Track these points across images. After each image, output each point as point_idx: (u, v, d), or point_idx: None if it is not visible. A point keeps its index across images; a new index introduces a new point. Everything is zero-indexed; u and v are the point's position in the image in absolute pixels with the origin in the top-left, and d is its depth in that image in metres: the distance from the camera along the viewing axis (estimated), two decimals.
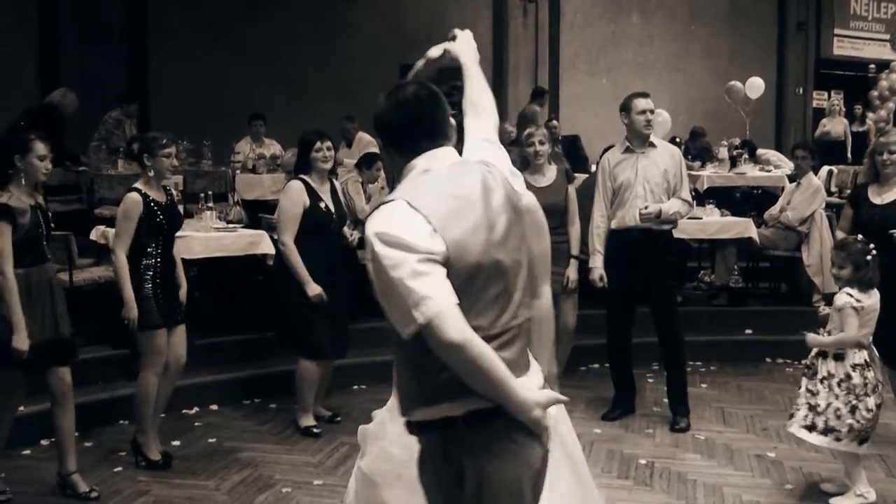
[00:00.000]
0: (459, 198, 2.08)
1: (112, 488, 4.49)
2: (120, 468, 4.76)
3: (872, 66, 12.78)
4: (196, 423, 5.55)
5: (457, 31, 2.64)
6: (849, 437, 4.13)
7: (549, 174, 5.60)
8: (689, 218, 6.35)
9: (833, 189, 9.41)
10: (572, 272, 5.57)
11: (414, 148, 2.17)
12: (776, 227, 7.57)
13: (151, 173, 4.63)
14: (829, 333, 4.25)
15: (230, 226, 6.39)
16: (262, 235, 6.08)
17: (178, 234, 4.89)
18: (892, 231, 4.83)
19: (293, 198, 5.14)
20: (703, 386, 6.33)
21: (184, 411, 5.69)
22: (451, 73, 2.65)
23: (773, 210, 7.71)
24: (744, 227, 7.38)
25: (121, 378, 5.56)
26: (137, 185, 4.64)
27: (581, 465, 2.93)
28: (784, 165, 9.42)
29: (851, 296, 4.21)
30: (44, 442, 4.98)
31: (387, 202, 2.07)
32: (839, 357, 4.19)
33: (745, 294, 7.81)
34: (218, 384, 5.97)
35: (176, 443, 5.13)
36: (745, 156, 9.51)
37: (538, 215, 2.68)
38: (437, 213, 2.02)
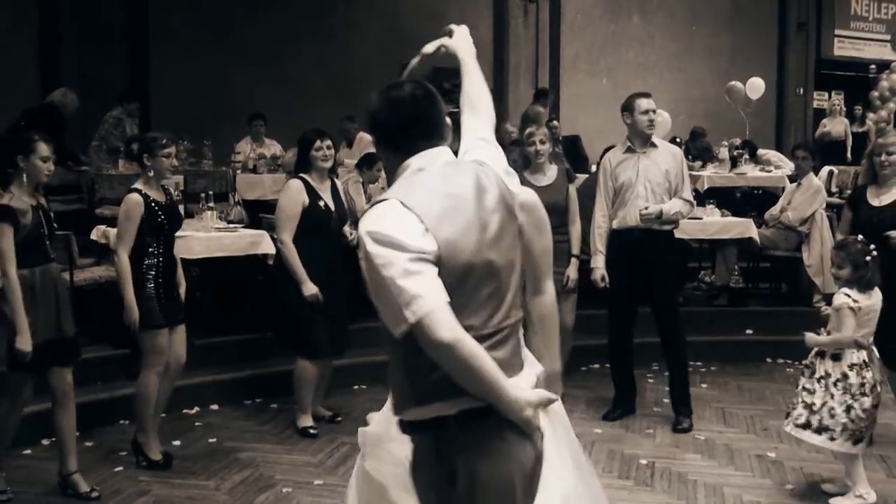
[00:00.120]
0: (453, 197, 2.08)
1: (113, 488, 4.49)
2: (121, 468, 4.76)
3: (873, 66, 12.76)
4: (197, 423, 5.55)
5: (453, 27, 2.63)
6: (843, 436, 4.13)
7: (550, 173, 5.61)
8: (690, 218, 6.35)
9: (833, 189, 9.40)
10: (573, 271, 5.57)
11: (409, 147, 2.16)
12: (777, 227, 7.57)
13: (151, 173, 4.63)
14: (829, 333, 4.26)
15: (231, 226, 6.39)
16: (263, 235, 6.08)
17: (178, 233, 4.90)
18: (887, 233, 4.80)
19: (292, 196, 5.15)
20: (704, 386, 6.33)
21: (184, 411, 5.69)
22: (446, 71, 2.65)
23: (774, 210, 7.71)
24: (744, 228, 7.38)
25: (121, 378, 5.57)
26: (137, 185, 4.64)
27: (585, 463, 2.93)
28: (784, 166, 9.42)
29: (849, 296, 4.21)
30: (45, 441, 4.98)
31: (380, 201, 2.07)
32: (836, 357, 4.19)
33: (746, 294, 7.81)
34: (218, 384, 5.97)
35: (176, 443, 5.14)
36: (746, 156, 9.51)
37: (540, 212, 2.68)
38: (429, 213, 2.01)
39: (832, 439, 4.15)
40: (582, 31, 13.73)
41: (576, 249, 5.61)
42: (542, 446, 2.15)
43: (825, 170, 9.58)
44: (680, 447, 5.15)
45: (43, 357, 4.11)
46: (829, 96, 14.90)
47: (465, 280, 2.03)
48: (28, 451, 4.91)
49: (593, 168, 8.27)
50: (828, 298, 6.17)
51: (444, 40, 2.61)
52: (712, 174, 9.13)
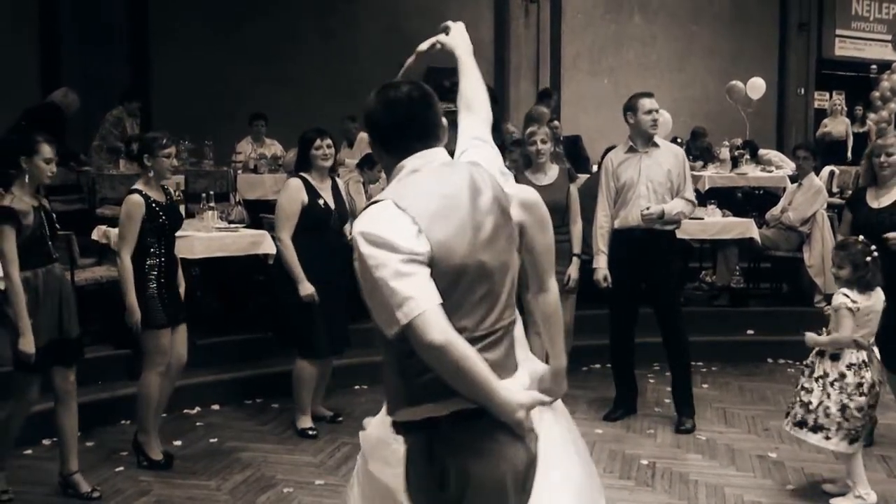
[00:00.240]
0: (447, 198, 2.07)
1: (114, 488, 4.49)
2: (121, 468, 4.76)
3: (874, 66, 12.73)
4: (198, 423, 5.55)
5: (449, 23, 2.63)
6: (838, 435, 4.13)
7: (551, 173, 5.61)
8: (691, 218, 6.36)
9: (835, 189, 9.39)
10: (574, 271, 5.57)
11: (404, 148, 2.15)
12: (778, 227, 7.57)
13: (151, 174, 4.63)
14: (829, 333, 4.25)
15: (232, 226, 6.39)
16: (264, 235, 6.08)
17: (179, 233, 4.90)
18: (885, 235, 4.76)
19: (291, 195, 5.15)
20: (705, 386, 6.33)
21: (185, 411, 5.70)
22: (446, 70, 2.64)
23: (775, 210, 7.71)
24: (745, 228, 7.38)
25: (122, 378, 5.57)
26: (138, 186, 4.63)
27: (588, 461, 2.93)
28: (785, 166, 9.42)
29: (847, 296, 4.21)
30: (46, 441, 4.98)
31: (375, 202, 2.07)
32: (836, 357, 4.20)
33: (747, 294, 7.80)
34: (219, 384, 5.97)
35: (177, 443, 5.14)
36: (747, 156, 9.51)
37: (541, 210, 2.67)
38: (423, 214, 2.01)
39: (827, 438, 4.15)
40: (583, 31, 13.73)
41: (577, 249, 5.61)
42: (536, 449, 2.15)
43: (826, 170, 9.57)
44: (681, 447, 5.15)
45: (47, 357, 4.11)
46: (830, 96, 14.90)
47: (459, 281, 2.03)
48: (29, 451, 4.91)
49: (594, 168, 8.27)
50: (829, 299, 6.15)
51: (440, 37, 2.60)
52: (713, 174, 9.13)
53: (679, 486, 4.59)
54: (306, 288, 5.06)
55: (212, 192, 6.65)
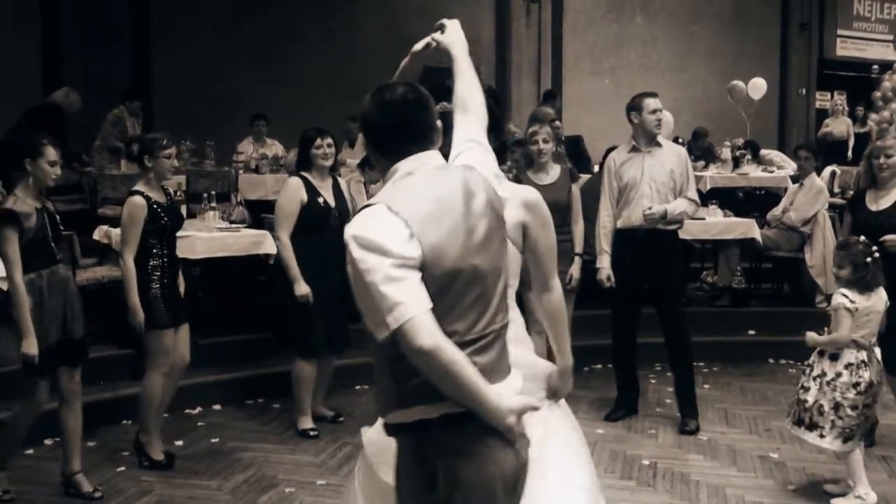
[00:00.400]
0: (440, 201, 2.07)
1: (115, 488, 4.50)
2: (123, 468, 4.77)
3: (875, 66, 12.72)
4: (199, 423, 5.55)
5: (445, 21, 2.62)
6: (832, 433, 4.13)
7: (553, 172, 5.60)
8: (693, 219, 6.35)
9: (836, 190, 9.38)
10: (576, 270, 5.56)
11: (399, 150, 2.15)
12: (779, 227, 7.56)
13: (152, 174, 4.63)
14: (829, 333, 4.26)
15: (233, 226, 6.39)
16: (265, 235, 6.08)
17: (181, 233, 4.90)
18: (883, 238, 4.73)
19: (290, 194, 5.15)
20: (706, 387, 6.32)
21: (187, 411, 5.70)
22: (446, 70, 2.63)
23: (776, 211, 7.71)
24: (747, 228, 7.38)
25: (124, 378, 5.57)
26: (138, 187, 4.63)
27: (590, 461, 2.94)
28: (787, 166, 9.42)
29: (846, 296, 4.21)
30: (48, 441, 4.99)
31: (368, 205, 2.07)
32: (835, 357, 4.20)
33: (748, 295, 7.80)
34: (221, 384, 5.98)
35: (179, 443, 5.14)
36: (748, 156, 9.50)
37: (543, 210, 2.68)
38: (416, 217, 2.01)
39: (822, 436, 4.16)
40: (584, 32, 13.72)
41: (579, 248, 5.61)
42: (528, 454, 2.14)
43: (827, 170, 9.56)
44: (682, 448, 5.15)
45: (52, 358, 4.11)
46: (832, 96, 14.88)
47: (451, 285, 2.03)
48: (31, 451, 4.91)
49: (596, 168, 8.26)
50: (830, 299, 6.16)
51: (435, 35, 2.60)
52: (715, 174, 9.13)
53: (680, 486, 4.58)
54: (301, 288, 5.06)
55: (213, 193, 6.66)
